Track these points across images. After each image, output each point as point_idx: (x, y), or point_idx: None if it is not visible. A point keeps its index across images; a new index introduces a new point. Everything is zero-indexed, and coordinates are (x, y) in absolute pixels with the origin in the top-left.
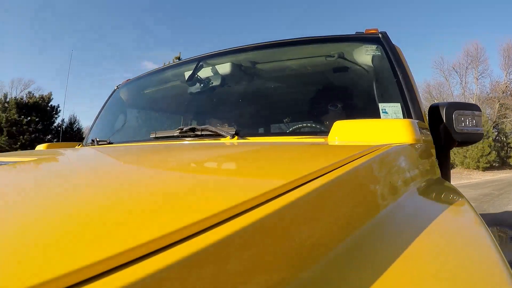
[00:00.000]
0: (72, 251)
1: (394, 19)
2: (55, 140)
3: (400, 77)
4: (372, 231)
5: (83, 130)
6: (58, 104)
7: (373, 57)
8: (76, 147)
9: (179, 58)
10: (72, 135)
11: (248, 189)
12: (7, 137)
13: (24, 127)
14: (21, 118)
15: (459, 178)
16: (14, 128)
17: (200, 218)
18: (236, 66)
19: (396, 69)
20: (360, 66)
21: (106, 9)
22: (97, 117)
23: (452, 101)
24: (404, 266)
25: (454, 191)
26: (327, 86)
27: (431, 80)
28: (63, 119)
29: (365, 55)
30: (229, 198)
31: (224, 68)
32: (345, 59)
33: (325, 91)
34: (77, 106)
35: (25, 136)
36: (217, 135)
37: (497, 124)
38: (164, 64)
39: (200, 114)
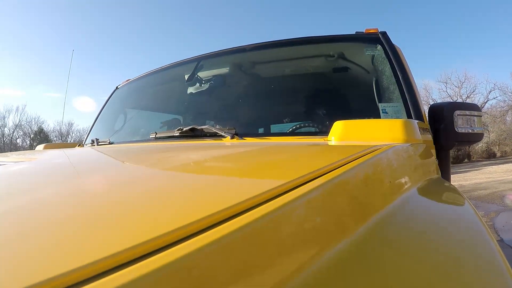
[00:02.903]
0: (72, 250)
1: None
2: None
3: (400, 77)
4: (372, 231)
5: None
6: None
7: (373, 57)
8: (76, 147)
9: None
10: None
11: (248, 189)
12: None
13: None
14: None
15: None
16: None
17: (200, 217)
18: (236, 66)
19: (396, 69)
20: (360, 66)
21: None
22: (97, 118)
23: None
24: (404, 266)
25: (454, 191)
26: (327, 86)
27: None
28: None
29: (365, 55)
30: (229, 198)
31: (224, 68)
32: (345, 59)
33: (325, 91)
34: None
35: None
36: (217, 135)
37: None
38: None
39: (200, 114)
